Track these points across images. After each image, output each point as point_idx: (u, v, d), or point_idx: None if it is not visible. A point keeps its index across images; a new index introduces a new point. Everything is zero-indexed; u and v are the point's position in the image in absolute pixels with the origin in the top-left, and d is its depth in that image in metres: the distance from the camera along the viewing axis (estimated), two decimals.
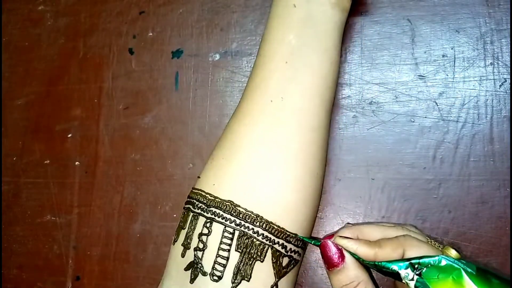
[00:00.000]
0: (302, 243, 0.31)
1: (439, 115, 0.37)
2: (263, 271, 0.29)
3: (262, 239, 0.29)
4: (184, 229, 0.31)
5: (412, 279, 0.26)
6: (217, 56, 0.42)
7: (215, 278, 0.29)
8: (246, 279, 0.29)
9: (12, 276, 0.44)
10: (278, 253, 0.30)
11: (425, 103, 0.37)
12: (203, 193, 0.31)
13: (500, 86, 0.36)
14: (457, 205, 0.36)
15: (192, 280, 0.29)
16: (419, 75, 0.38)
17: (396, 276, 0.27)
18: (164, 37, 0.43)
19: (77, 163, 0.44)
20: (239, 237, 0.29)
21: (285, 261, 0.30)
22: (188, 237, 0.30)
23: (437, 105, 0.37)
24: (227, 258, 0.29)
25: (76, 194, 0.44)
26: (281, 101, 0.31)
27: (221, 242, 0.29)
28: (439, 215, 0.36)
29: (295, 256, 0.31)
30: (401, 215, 0.37)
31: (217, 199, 0.30)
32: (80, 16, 0.46)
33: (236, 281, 0.29)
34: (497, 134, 0.36)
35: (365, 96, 0.38)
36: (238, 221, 0.29)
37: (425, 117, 0.37)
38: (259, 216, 0.29)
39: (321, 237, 0.34)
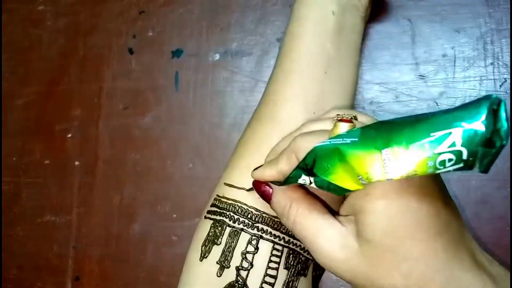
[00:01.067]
0: None
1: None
2: (304, 284, 0.29)
3: (307, 255, 0.29)
4: (218, 245, 0.29)
5: (311, 183, 0.22)
6: (217, 56, 0.42)
7: None
8: None
9: (12, 276, 0.44)
10: (316, 266, 0.30)
11: (426, 103, 0.37)
12: (245, 206, 0.29)
13: (500, 86, 0.36)
14: (457, 205, 0.36)
15: None
16: (419, 75, 0.38)
17: (301, 183, 0.23)
18: (164, 37, 0.43)
19: (77, 163, 0.44)
20: (288, 254, 0.28)
21: (319, 272, 0.31)
22: (227, 255, 0.28)
23: (438, 105, 0.37)
24: (276, 277, 0.28)
25: (76, 194, 0.44)
26: (322, 111, 0.30)
27: (270, 261, 0.28)
28: None
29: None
30: None
31: (264, 215, 0.28)
32: (80, 16, 0.46)
33: None
34: None
35: (365, 96, 0.38)
36: (287, 238, 0.28)
37: None
38: None
39: None
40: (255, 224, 0.28)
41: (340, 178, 0.21)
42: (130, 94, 0.43)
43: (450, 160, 0.17)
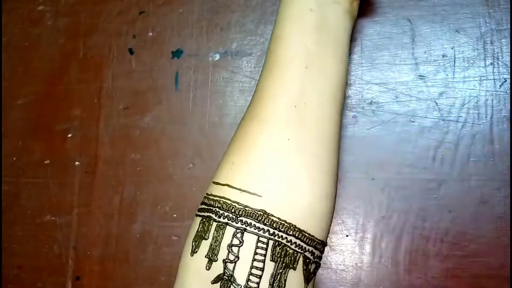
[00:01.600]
0: (323, 248, 0.31)
1: (439, 115, 0.37)
2: (295, 278, 0.29)
3: (295, 247, 0.29)
4: (206, 239, 0.30)
5: None
6: (217, 56, 0.42)
7: None
8: (281, 287, 0.29)
9: (12, 276, 0.44)
10: (308, 260, 0.30)
11: (425, 103, 0.37)
12: (229, 201, 0.30)
13: (500, 86, 0.36)
14: (457, 205, 0.36)
15: None
16: (419, 75, 0.38)
17: None
18: (164, 37, 0.43)
19: (77, 163, 0.44)
20: (274, 246, 0.29)
21: (312, 267, 0.30)
22: (214, 249, 0.29)
23: (437, 105, 0.37)
24: (262, 269, 0.28)
25: (76, 194, 0.44)
26: (304, 107, 0.31)
27: (255, 253, 0.28)
28: (439, 215, 0.36)
29: (319, 261, 0.31)
30: (401, 215, 0.37)
31: (247, 208, 0.29)
32: (80, 16, 0.46)
33: None
34: (497, 134, 0.36)
35: (365, 96, 0.38)
36: (272, 230, 0.29)
37: (425, 117, 0.37)
38: (292, 225, 0.29)
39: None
40: (239, 218, 0.29)
41: None
42: (130, 94, 0.43)
43: None
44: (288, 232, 0.29)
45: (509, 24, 0.36)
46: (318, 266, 0.31)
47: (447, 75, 0.37)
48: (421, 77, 0.38)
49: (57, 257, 0.43)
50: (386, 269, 0.37)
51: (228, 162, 0.32)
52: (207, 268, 0.29)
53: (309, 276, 0.30)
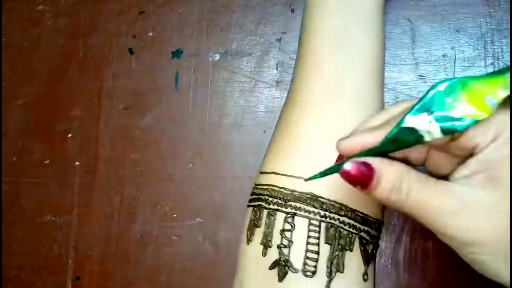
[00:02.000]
0: (380, 227, 0.30)
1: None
2: (353, 260, 0.29)
3: (349, 228, 0.29)
4: (259, 227, 0.30)
5: (429, 122, 0.20)
6: (217, 56, 0.42)
7: (309, 274, 0.28)
8: (340, 270, 0.28)
9: (12, 276, 0.44)
10: (364, 241, 0.29)
11: None
12: (276, 188, 0.30)
13: None
14: None
15: (281, 279, 0.28)
16: (419, 75, 0.38)
17: (414, 136, 0.21)
18: (164, 37, 0.43)
19: (77, 163, 0.44)
20: (327, 229, 0.28)
21: (370, 247, 0.30)
22: (267, 235, 0.29)
23: None
24: (318, 252, 0.28)
25: (76, 194, 0.44)
26: (340, 85, 0.30)
27: (308, 236, 0.28)
28: None
29: (377, 241, 0.30)
30: (401, 215, 0.37)
31: (295, 193, 0.29)
32: (80, 16, 0.46)
33: (331, 274, 0.28)
34: None
35: None
36: (322, 212, 0.28)
37: None
38: (343, 205, 0.28)
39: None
40: (288, 203, 0.29)
41: (464, 108, 0.20)
42: (130, 94, 0.43)
43: None
44: (339, 213, 0.28)
45: (509, 24, 0.36)
46: (376, 246, 0.30)
47: (447, 75, 0.37)
48: (421, 77, 0.38)
49: (57, 257, 0.43)
50: (386, 269, 0.37)
51: (272, 151, 0.32)
52: (263, 254, 0.29)
53: (368, 257, 0.29)
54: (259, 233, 0.30)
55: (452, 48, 0.37)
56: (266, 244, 0.29)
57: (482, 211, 0.21)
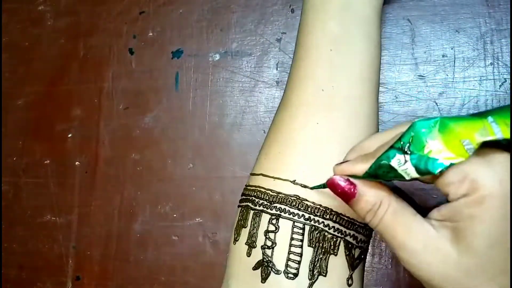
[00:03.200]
0: (369, 232, 0.30)
1: (439, 115, 0.37)
2: (338, 264, 0.29)
3: (334, 232, 0.29)
4: (245, 227, 0.30)
5: (405, 162, 0.21)
6: (217, 56, 0.42)
7: (291, 275, 0.28)
8: (322, 274, 0.28)
9: (12, 276, 0.44)
10: (350, 245, 0.29)
11: (425, 103, 0.37)
12: (263, 190, 0.30)
13: (500, 86, 0.36)
14: None
15: (263, 280, 0.28)
16: (419, 75, 0.38)
17: (393, 173, 0.22)
18: (164, 37, 0.43)
19: (77, 163, 0.44)
20: (310, 231, 0.28)
21: (357, 252, 0.30)
22: (252, 235, 0.29)
23: (437, 105, 0.37)
24: (300, 254, 0.28)
25: (76, 194, 0.44)
26: (333, 89, 0.30)
27: (292, 238, 0.28)
28: None
29: (365, 246, 0.30)
30: None
31: (280, 195, 0.29)
32: (80, 16, 0.46)
33: (313, 277, 0.28)
34: None
35: None
36: (307, 215, 0.28)
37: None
38: (328, 208, 0.29)
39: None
40: (273, 204, 0.29)
41: (440, 150, 0.20)
42: (130, 94, 0.43)
43: None
44: (324, 216, 0.28)
45: (509, 24, 0.36)
46: (364, 251, 0.30)
47: (447, 75, 0.37)
48: (421, 77, 0.38)
49: (57, 257, 0.43)
50: (386, 269, 0.37)
51: (262, 152, 0.32)
52: (248, 254, 0.29)
53: (354, 262, 0.29)
54: (245, 233, 0.30)
55: (451, 48, 0.37)
56: (251, 245, 0.29)
57: (440, 259, 0.23)
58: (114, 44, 0.44)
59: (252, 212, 0.30)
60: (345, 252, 0.29)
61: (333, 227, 0.29)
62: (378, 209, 0.24)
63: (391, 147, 0.22)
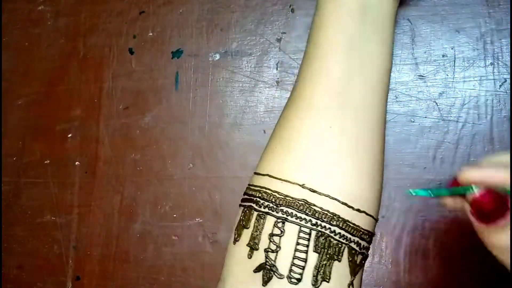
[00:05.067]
0: (371, 239, 0.30)
1: (439, 115, 0.37)
2: (340, 270, 0.28)
3: (339, 238, 0.28)
4: (247, 228, 0.29)
5: None
6: (217, 56, 0.42)
7: (294, 280, 0.27)
8: (326, 280, 0.28)
9: (12, 276, 0.44)
10: (353, 251, 0.29)
11: (425, 103, 0.37)
12: (269, 191, 0.29)
13: (500, 86, 0.36)
14: None
15: (264, 283, 0.28)
16: (419, 75, 0.38)
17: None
18: (164, 37, 0.43)
19: (77, 163, 0.44)
20: (317, 237, 0.28)
21: (359, 258, 0.29)
22: (255, 237, 0.29)
23: (437, 105, 0.37)
24: (305, 260, 0.28)
25: (76, 194, 0.44)
26: (348, 93, 0.30)
27: (297, 243, 0.28)
28: (439, 215, 0.36)
29: (366, 252, 0.30)
30: (401, 215, 0.37)
31: (288, 198, 0.29)
32: (80, 16, 0.46)
33: (316, 282, 0.28)
34: (497, 134, 0.36)
35: None
36: (314, 220, 0.28)
37: (425, 117, 0.37)
38: (335, 214, 0.28)
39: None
40: (279, 207, 0.29)
41: None
42: (130, 94, 0.43)
43: None
44: (331, 222, 0.28)
45: (509, 24, 0.36)
46: (365, 257, 0.30)
47: (447, 75, 0.37)
48: (421, 77, 0.38)
49: (57, 257, 0.43)
50: (386, 269, 0.37)
51: (268, 152, 0.31)
52: (249, 256, 0.29)
53: (355, 268, 0.29)
54: (246, 234, 0.29)
55: (451, 48, 0.37)
56: (252, 247, 0.29)
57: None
58: (114, 44, 0.44)
59: (256, 213, 0.30)
60: (348, 258, 0.29)
61: (339, 233, 0.28)
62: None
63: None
